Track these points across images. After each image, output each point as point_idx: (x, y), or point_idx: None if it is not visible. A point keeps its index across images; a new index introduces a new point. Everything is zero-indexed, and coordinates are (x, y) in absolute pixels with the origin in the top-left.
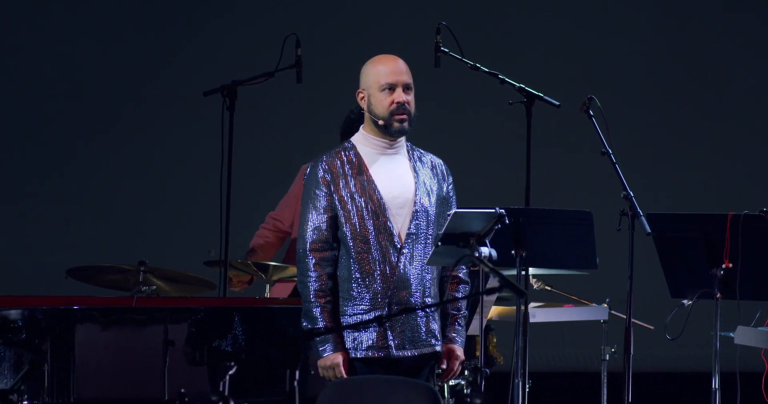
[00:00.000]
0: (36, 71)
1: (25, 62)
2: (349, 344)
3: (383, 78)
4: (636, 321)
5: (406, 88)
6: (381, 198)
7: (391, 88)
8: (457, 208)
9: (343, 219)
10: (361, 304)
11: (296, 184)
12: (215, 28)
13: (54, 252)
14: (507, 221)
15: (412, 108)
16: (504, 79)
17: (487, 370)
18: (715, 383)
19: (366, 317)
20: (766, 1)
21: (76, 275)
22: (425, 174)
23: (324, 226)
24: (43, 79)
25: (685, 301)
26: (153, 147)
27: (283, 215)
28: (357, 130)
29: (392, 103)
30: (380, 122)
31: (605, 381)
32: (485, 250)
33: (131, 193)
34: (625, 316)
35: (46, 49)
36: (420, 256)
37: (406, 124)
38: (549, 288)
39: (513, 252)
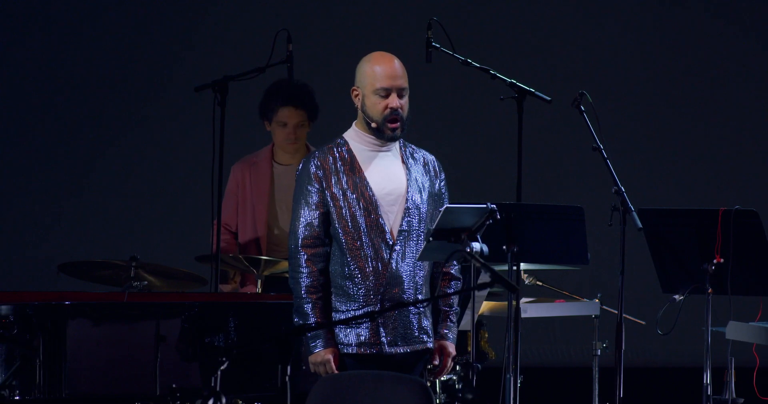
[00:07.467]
0: (24, 68)
1: (12, 59)
2: (341, 340)
3: (378, 81)
4: (627, 317)
5: (400, 92)
6: (373, 195)
7: (386, 92)
8: (449, 204)
9: (335, 216)
10: (354, 301)
11: (229, 182)
12: (206, 23)
13: (45, 247)
14: (498, 216)
15: (405, 112)
16: (495, 75)
17: (479, 365)
18: (707, 378)
19: (358, 313)
20: None
21: (67, 270)
22: (417, 171)
23: (316, 222)
24: (33, 75)
25: (676, 296)
26: (144, 142)
27: (227, 217)
28: (268, 108)
29: (386, 108)
30: (373, 125)
31: (597, 376)
32: (477, 246)
33: (123, 189)
34: (616, 311)
35: (34, 45)
36: (412, 253)
37: (398, 132)
38: (540, 284)
39: (504, 247)
